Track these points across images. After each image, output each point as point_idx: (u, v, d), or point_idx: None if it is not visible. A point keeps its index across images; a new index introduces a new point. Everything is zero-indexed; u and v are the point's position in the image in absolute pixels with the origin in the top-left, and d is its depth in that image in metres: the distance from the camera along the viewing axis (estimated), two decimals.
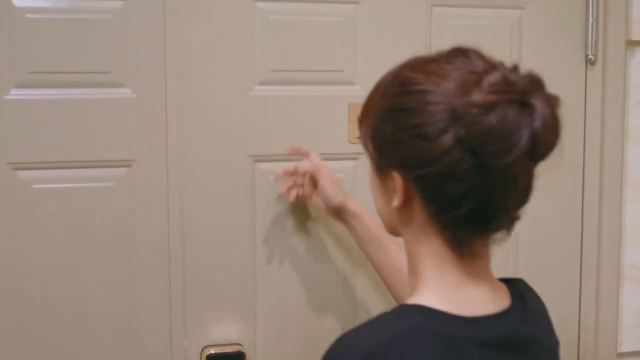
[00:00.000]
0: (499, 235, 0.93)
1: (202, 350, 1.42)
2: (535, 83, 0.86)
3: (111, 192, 1.37)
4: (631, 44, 1.60)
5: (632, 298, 1.66)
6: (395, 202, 0.92)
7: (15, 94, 1.32)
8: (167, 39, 1.36)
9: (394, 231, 0.99)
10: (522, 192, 0.88)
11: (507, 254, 1.56)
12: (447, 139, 0.84)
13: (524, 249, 1.57)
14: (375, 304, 1.49)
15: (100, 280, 1.38)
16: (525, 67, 1.53)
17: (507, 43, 1.53)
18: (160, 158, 1.38)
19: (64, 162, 1.35)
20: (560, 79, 1.55)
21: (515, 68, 0.88)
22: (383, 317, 0.90)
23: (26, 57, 1.31)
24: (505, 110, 0.82)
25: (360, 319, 1.49)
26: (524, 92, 0.84)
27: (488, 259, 0.95)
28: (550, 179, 1.57)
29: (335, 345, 0.87)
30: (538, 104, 0.84)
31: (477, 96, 0.83)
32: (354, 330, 0.88)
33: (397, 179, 0.90)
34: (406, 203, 0.92)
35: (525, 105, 0.84)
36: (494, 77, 0.85)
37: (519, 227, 1.53)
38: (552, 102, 0.86)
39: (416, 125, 0.86)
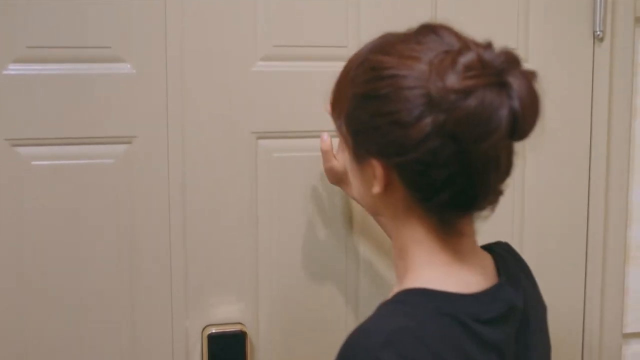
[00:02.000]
0: (484, 212, 0.92)
1: (203, 330, 1.41)
2: (511, 60, 0.84)
3: (111, 169, 1.35)
4: None
5: (637, 279, 1.65)
6: (376, 188, 0.90)
7: (13, 69, 1.30)
8: (167, 13, 1.34)
9: (376, 213, 0.98)
10: (504, 170, 0.87)
11: (512, 235, 1.55)
12: (426, 125, 0.82)
13: (529, 229, 1.56)
14: (380, 284, 1.48)
15: (100, 258, 1.36)
16: (533, 43, 1.52)
17: (513, 19, 1.50)
18: (161, 135, 1.36)
19: (64, 138, 1.33)
20: (567, 56, 1.54)
21: (489, 45, 0.85)
22: (389, 305, 0.89)
23: (24, 32, 1.29)
24: (483, 93, 0.80)
25: (363, 299, 1.48)
26: (500, 72, 0.82)
27: (474, 236, 0.95)
28: (556, 157, 1.56)
29: (350, 340, 0.85)
30: (515, 83, 0.82)
31: (452, 80, 0.81)
32: (365, 324, 0.87)
33: (376, 166, 0.89)
34: (387, 189, 0.90)
35: (502, 86, 0.81)
36: (468, 58, 0.82)
37: (525, 207, 1.54)
38: (530, 78, 0.84)
39: (392, 112, 0.84)
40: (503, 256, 1.00)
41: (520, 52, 1.49)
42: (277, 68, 1.40)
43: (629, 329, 1.66)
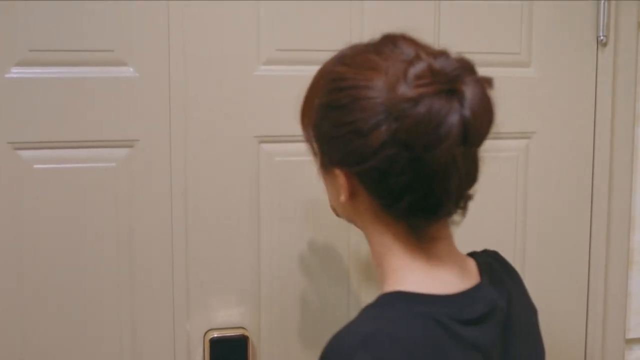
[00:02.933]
0: (455, 217, 0.93)
1: (205, 334, 1.41)
2: (464, 68, 0.85)
3: (113, 172, 1.35)
4: None
5: None
6: (342, 197, 0.92)
7: (15, 72, 1.30)
8: (170, 17, 1.34)
9: (351, 222, 1.00)
10: (465, 176, 0.88)
11: (515, 240, 1.54)
12: (381, 133, 0.84)
13: (532, 233, 1.56)
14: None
15: (102, 262, 1.36)
16: (536, 48, 1.51)
17: (517, 24, 1.50)
18: (164, 138, 1.36)
19: (66, 142, 1.33)
20: (571, 61, 1.54)
21: (442, 53, 0.86)
22: (367, 309, 0.90)
23: (27, 35, 1.29)
24: (431, 101, 0.82)
25: (366, 303, 1.47)
26: (452, 79, 0.83)
27: (449, 239, 0.96)
28: (559, 162, 1.55)
29: (328, 344, 0.87)
30: (467, 90, 0.83)
31: (404, 90, 0.83)
32: (344, 327, 0.88)
33: (339, 175, 0.91)
34: (353, 197, 0.92)
35: (453, 93, 0.83)
36: (418, 68, 0.84)
37: (528, 213, 1.53)
38: (483, 85, 0.85)
39: (351, 122, 0.87)
40: (487, 260, 1.01)
41: (523, 57, 1.51)
42: (279, 72, 1.40)
43: (631, 335, 1.65)
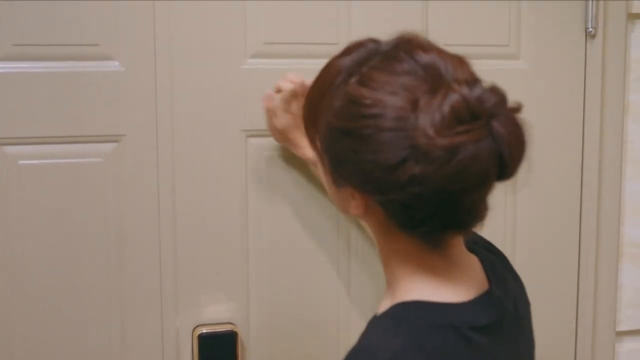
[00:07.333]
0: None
1: (193, 330, 1.40)
2: (498, 102, 0.81)
3: (100, 168, 1.34)
4: (632, 17, 1.56)
5: (631, 276, 1.64)
6: (354, 211, 0.89)
7: None
8: (156, 10, 1.33)
9: (357, 218, 0.98)
10: (485, 198, 0.87)
11: (505, 232, 1.54)
12: (410, 169, 0.79)
13: (522, 226, 1.55)
14: (372, 284, 1.47)
15: (89, 259, 1.35)
16: (524, 40, 1.51)
17: (505, 15, 1.49)
18: (150, 133, 1.35)
19: (51, 137, 1.31)
20: (559, 53, 1.53)
21: (474, 81, 0.82)
22: (384, 320, 0.87)
23: (10, 29, 1.28)
24: (472, 148, 0.78)
25: (355, 299, 1.47)
26: (490, 115, 0.80)
27: (461, 246, 0.93)
28: (548, 154, 1.55)
29: (353, 358, 0.84)
30: (503, 128, 0.80)
31: (440, 131, 0.78)
32: (366, 341, 0.85)
33: (356, 196, 0.87)
34: (367, 213, 0.89)
35: (490, 132, 0.80)
36: (455, 107, 0.78)
37: (518, 204, 1.53)
38: (515, 118, 0.82)
39: (375, 152, 0.80)
40: (489, 257, 1.00)
41: (512, 49, 1.51)
42: (267, 65, 1.39)
43: (622, 327, 1.65)
